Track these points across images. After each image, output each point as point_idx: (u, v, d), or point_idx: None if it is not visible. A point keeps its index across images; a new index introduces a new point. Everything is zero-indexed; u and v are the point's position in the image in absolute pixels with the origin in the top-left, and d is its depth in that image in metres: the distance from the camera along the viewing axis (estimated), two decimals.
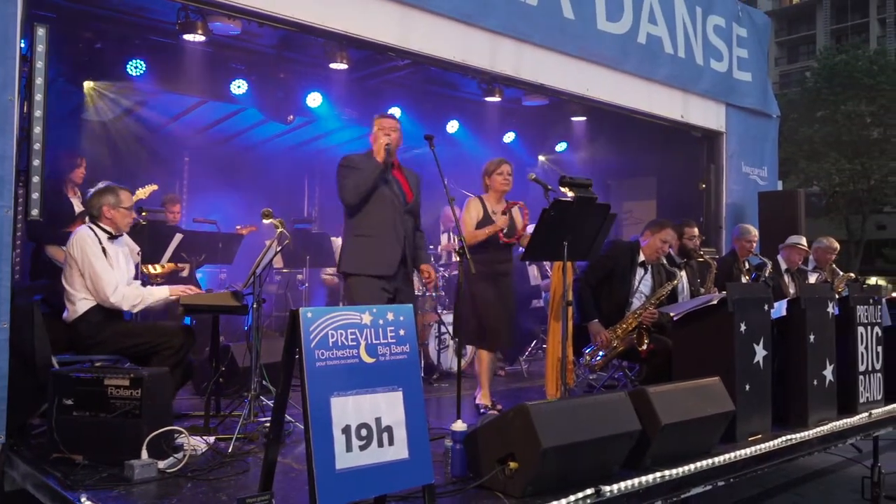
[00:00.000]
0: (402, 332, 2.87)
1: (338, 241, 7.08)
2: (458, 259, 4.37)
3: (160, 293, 4.08)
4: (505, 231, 4.90)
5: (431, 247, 7.15)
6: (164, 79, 6.45)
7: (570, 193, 4.26)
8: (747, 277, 6.32)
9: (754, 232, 6.93)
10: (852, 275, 7.49)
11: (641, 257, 5.38)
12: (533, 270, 7.60)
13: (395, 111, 8.06)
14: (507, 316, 4.97)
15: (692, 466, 3.64)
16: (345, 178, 4.33)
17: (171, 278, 6.07)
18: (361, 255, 4.31)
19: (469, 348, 6.69)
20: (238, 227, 6.63)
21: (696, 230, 6.04)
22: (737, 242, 6.98)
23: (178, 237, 5.98)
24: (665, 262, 5.46)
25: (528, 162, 10.06)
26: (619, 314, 5.25)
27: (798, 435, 4.43)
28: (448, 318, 6.74)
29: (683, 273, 5.96)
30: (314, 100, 7.54)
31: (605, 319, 5.19)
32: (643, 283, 5.37)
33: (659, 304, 5.22)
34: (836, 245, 7.64)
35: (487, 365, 5.01)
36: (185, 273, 6.24)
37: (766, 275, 6.26)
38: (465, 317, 4.92)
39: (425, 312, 6.77)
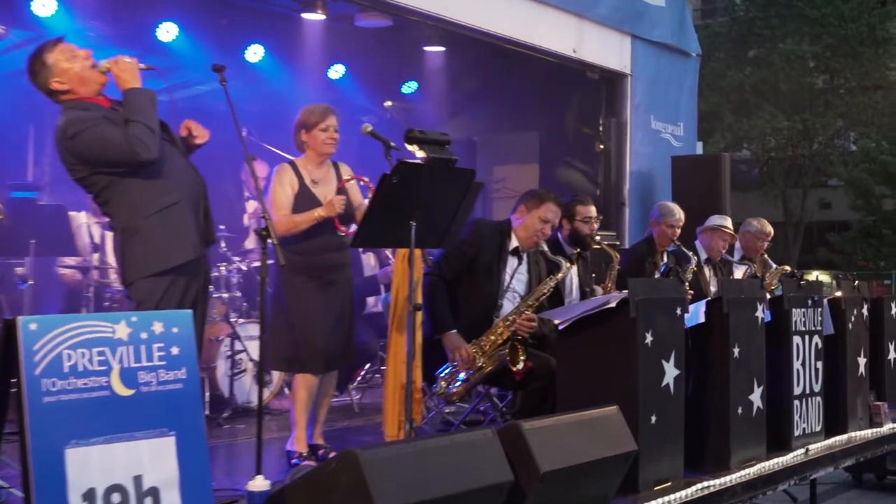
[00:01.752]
0: (175, 351, 2.83)
1: (79, 217, 6.80)
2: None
3: None
4: (340, 216, 4.89)
5: (223, 227, 7.03)
6: None
7: (421, 153, 4.30)
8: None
9: (680, 214, 7.19)
10: (787, 268, 7.95)
11: (514, 243, 5.49)
12: (368, 258, 7.65)
13: (170, 29, 7.84)
14: (340, 328, 5.03)
15: None
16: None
17: None
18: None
19: (277, 374, 6.67)
20: None
21: (592, 209, 6.25)
22: (655, 226, 7.21)
23: None
24: (546, 249, 5.61)
25: (364, 107, 10.10)
26: (486, 322, 5.35)
27: (718, 481, 4.61)
28: (247, 329, 6.68)
29: (574, 267, 6.17)
30: (43, 6, 7.18)
31: (467, 329, 5.27)
32: (517, 278, 5.51)
33: (539, 308, 5.37)
34: (770, 229, 8.08)
35: (307, 395, 5.00)
36: None
37: (686, 270, 6.56)
38: (275, 328, 4.89)
39: (212, 322, 6.69)
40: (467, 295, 5.36)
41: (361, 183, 5.14)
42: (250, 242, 7.69)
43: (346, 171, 5.16)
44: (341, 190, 5.00)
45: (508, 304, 5.44)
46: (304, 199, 4.95)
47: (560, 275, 5.48)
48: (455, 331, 5.22)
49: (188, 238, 4.13)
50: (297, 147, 5.13)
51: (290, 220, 4.85)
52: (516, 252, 5.51)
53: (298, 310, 4.90)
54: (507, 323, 5.28)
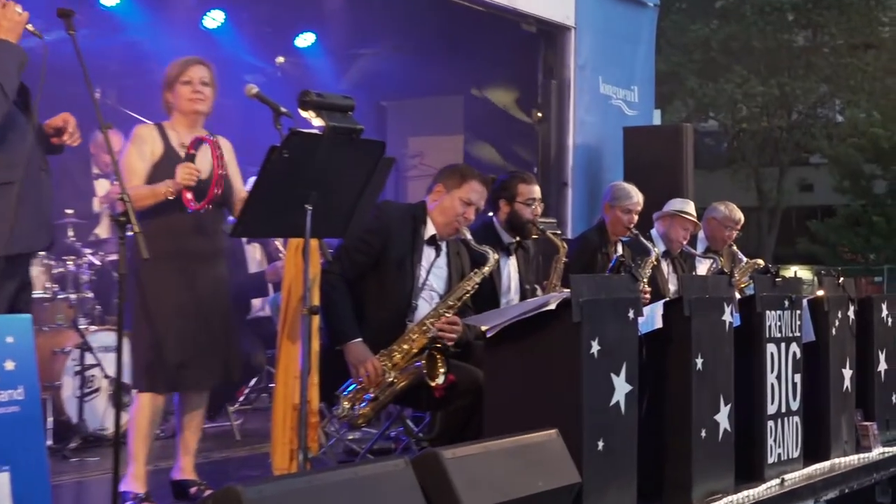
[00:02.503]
0: (9, 366, 2.78)
1: None
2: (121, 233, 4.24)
3: None
4: (194, 189, 4.82)
5: (70, 211, 6.95)
6: None
7: (318, 121, 4.28)
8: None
9: (638, 196, 7.26)
10: (760, 262, 8.08)
11: (431, 230, 5.51)
12: (253, 251, 7.60)
13: None
14: (208, 335, 5.02)
15: None
16: None
17: None
18: None
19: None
20: None
21: (536, 189, 6.32)
22: (608, 211, 7.29)
23: None
24: (469, 237, 5.58)
25: (248, 65, 10.02)
26: (398, 327, 5.34)
27: None
28: (101, 338, 6.60)
29: (511, 260, 6.23)
30: None
31: (375, 337, 5.27)
32: (435, 273, 5.52)
33: (462, 310, 5.39)
34: (740, 215, 8.19)
35: (148, 420, 4.99)
36: None
37: (644, 264, 6.65)
38: (137, 336, 4.85)
39: (56, 330, 6.60)
40: (374, 295, 5.36)
41: (211, 144, 4.98)
42: (103, 230, 7.58)
43: (227, 149, 5.14)
44: (190, 156, 4.91)
45: (425, 306, 5.44)
46: (170, 165, 4.91)
47: (486, 268, 5.49)
48: (359, 339, 5.21)
49: (8, 228, 4.10)
50: (166, 111, 5.12)
51: (137, 192, 4.73)
52: (433, 241, 5.51)
53: (153, 312, 4.88)
54: (424, 328, 5.26)
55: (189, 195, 4.84)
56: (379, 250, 5.35)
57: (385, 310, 5.37)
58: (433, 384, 5.14)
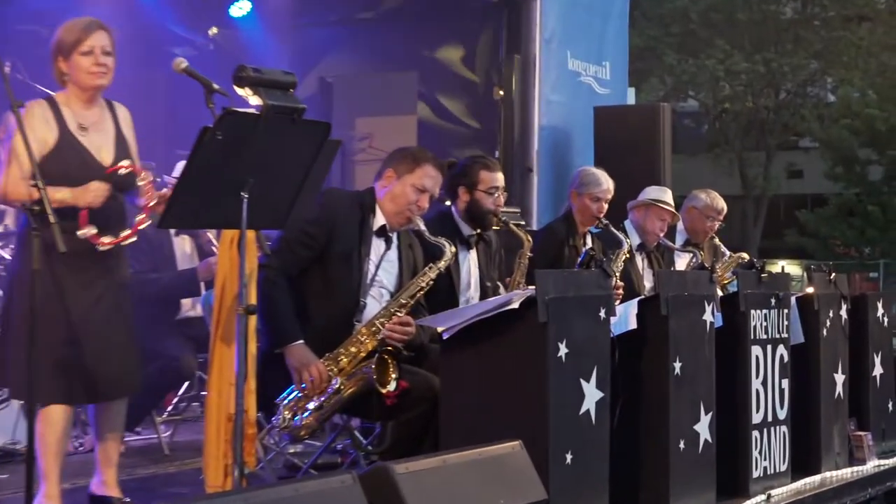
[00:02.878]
0: None
1: None
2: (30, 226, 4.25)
3: None
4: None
5: None
6: None
7: (256, 100, 4.27)
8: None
9: (608, 183, 7.27)
10: (745, 255, 8.13)
11: (380, 220, 5.51)
12: (182, 244, 7.53)
13: None
14: (108, 338, 5.01)
15: None
16: None
17: None
18: None
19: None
20: None
21: (499, 176, 6.29)
22: (575, 199, 7.32)
23: None
24: (423, 228, 5.55)
25: (177, 37, 9.93)
26: (345, 328, 5.35)
27: None
28: None
29: (471, 254, 6.22)
30: None
31: (319, 339, 5.25)
32: (385, 267, 5.52)
33: (416, 309, 5.40)
34: (723, 204, 8.28)
35: (54, 435, 4.94)
36: None
37: (616, 257, 6.65)
38: (42, 341, 4.68)
39: None
40: (318, 293, 5.36)
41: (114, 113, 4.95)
42: (12, 221, 7.46)
43: (124, 119, 5.10)
44: (111, 176, 4.87)
45: (374, 304, 5.44)
46: (68, 152, 4.87)
47: (443, 262, 5.47)
48: (301, 342, 5.19)
49: None
50: (57, 81, 5.02)
51: (18, 184, 4.68)
52: (383, 233, 5.51)
53: (46, 316, 4.68)
54: (373, 329, 5.25)
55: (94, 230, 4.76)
56: (323, 243, 5.33)
57: (330, 309, 5.36)
58: (384, 391, 5.13)
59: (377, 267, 5.49)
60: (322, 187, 4.92)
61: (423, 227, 5.52)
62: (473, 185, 6.19)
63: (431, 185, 5.50)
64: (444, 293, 5.82)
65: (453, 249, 5.55)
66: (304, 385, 5.17)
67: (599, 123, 9.50)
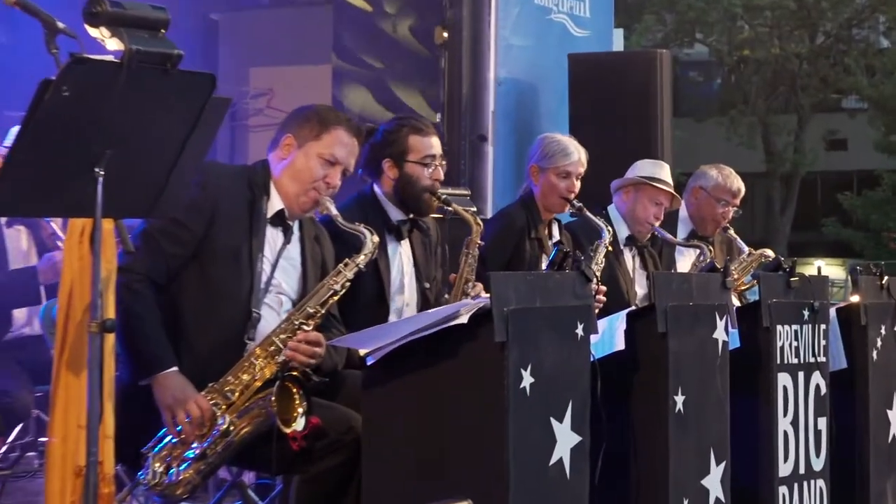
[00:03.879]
0: None
1: None
2: None
3: None
4: None
5: None
6: None
7: (115, 43, 4.19)
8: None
9: (579, 153, 7.28)
10: (769, 252, 8.16)
11: (277, 203, 5.50)
12: (18, 237, 7.51)
13: None
14: None
15: None
16: None
17: None
18: None
19: None
20: None
21: (434, 143, 6.24)
22: (537, 176, 7.34)
23: None
24: (336, 212, 5.51)
25: None
26: (234, 348, 5.31)
27: None
28: None
29: (403, 247, 6.25)
30: None
31: (199, 365, 5.24)
32: (283, 267, 5.50)
33: (327, 322, 5.41)
34: (740, 185, 8.35)
35: None
36: None
37: (596, 254, 6.65)
38: None
39: None
40: (196, 303, 5.32)
41: None
42: None
43: None
44: None
45: (272, 316, 5.43)
46: None
47: (362, 258, 5.39)
48: (175, 369, 5.13)
49: None
50: None
51: None
52: (280, 220, 5.49)
53: None
54: (272, 349, 5.20)
55: None
56: (200, 236, 5.28)
57: (213, 324, 5.33)
58: (288, 431, 5.07)
59: (273, 266, 5.46)
60: (203, 162, 4.86)
61: (334, 210, 5.47)
62: (401, 155, 6.17)
63: (344, 154, 5.49)
64: (368, 300, 5.86)
65: (376, 239, 5.47)
66: (179, 428, 5.10)
67: (576, 76, 9.52)
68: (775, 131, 33.04)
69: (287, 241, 5.53)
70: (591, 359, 4.92)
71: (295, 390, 5.18)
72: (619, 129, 8.88)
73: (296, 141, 5.47)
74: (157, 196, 4.49)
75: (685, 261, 7.96)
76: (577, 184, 7.25)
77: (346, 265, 5.38)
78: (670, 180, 7.76)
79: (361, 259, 5.40)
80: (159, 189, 4.47)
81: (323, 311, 5.34)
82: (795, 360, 5.81)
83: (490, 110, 9.27)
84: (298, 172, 5.45)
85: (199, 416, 5.09)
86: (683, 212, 8.36)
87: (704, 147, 23.85)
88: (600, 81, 9.40)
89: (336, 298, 5.38)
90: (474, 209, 7.81)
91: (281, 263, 5.49)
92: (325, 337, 5.32)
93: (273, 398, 5.11)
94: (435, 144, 6.27)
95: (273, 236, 5.48)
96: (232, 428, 5.15)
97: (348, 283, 5.38)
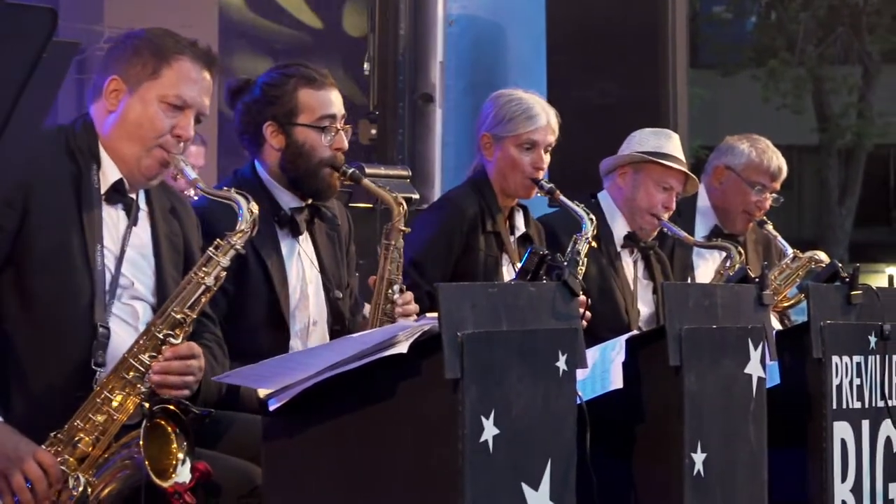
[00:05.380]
0: None
1: None
2: None
3: None
4: None
5: None
6: None
7: None
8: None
9: (547, 113, 6.77)
10: (822, 255, 7.70)
11: (113, 172, 4.89)
12: None
13: None
14: None
15: None
16: None
17: None
18: None
19: None
20: None
21: (334, 98, 5.75)
22: (491, 149, 6.78)
23: None
24: (191, 174, 4.92)
25: None
26: (77, 381, 4.75)
27: None
28: None
29: (302, 244, 5.81)
30: None
31: (32, 408, 4.80)
32: (132, 259, 4.91)
33: (200, 328, 5.01)
34: (780, 163, 7.93)
35: None
36: None
37: (576, 251, 6.33)
38: None
39: None
40: (20, 323, 4.75)
41: None
42: None
43: None
44: None
45: (124, 329, 4.87)
46: None
47: (237, 236, 4.77)
48: (0, 419, 4.66)
49: None
50: None
51: None
52: (119, 194, 4.90)
53: None
54: (131, 375, 4.66)
55: None
56: (13, 229, 4.72)
57: (47, 351, 4.77)
58: (167, 486, 4.57)
59: (119, 260, 4.89)
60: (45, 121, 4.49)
61: (192, 174, 4.88)
62: (288, 116, 5.64)
63: (195, 93, 4.89)
64: (258, 320, 5.52)
65: (254, 208, 4.82)
66: (17, 499, 4.64)
67: (556, 14, 9.09)
68: (832, 89, 32.19)
69: (133, 222, 4.96)
70: (578, 401, 4.45)
71: (170, 429, 4.72)
72: (614, 87, 8.35)
73: (125, 84, 4.89)
74: None
75: (707, 267, 7.65)
76: (547, 157, 6.74)
77: (217, 248, 4.79)
78: (682, 157, 7.23)
79: (237, 238, 4.82)
80: None
81: (194, 316, 4.79)
82: (858, 405, 5.46)
83: (438, 60, 8.89)
84: (135, 126, 4.90)
85: (43, 478, 4.62)
86: (703, 200, 8.04)
87: (732, 110, 23.24)
88: (589, 20, 8.89)
89: (209, 296, 4.83)
90: (416, 196, 7.45)
91: (128, 255, 4.92)
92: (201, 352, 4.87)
93: (141, 442, 4.60)
94: (335, 101, 5.77)
95: (112, 218, 4.92)
96: (90, 490, 4.69)
97: (224, 275, 4.83)
